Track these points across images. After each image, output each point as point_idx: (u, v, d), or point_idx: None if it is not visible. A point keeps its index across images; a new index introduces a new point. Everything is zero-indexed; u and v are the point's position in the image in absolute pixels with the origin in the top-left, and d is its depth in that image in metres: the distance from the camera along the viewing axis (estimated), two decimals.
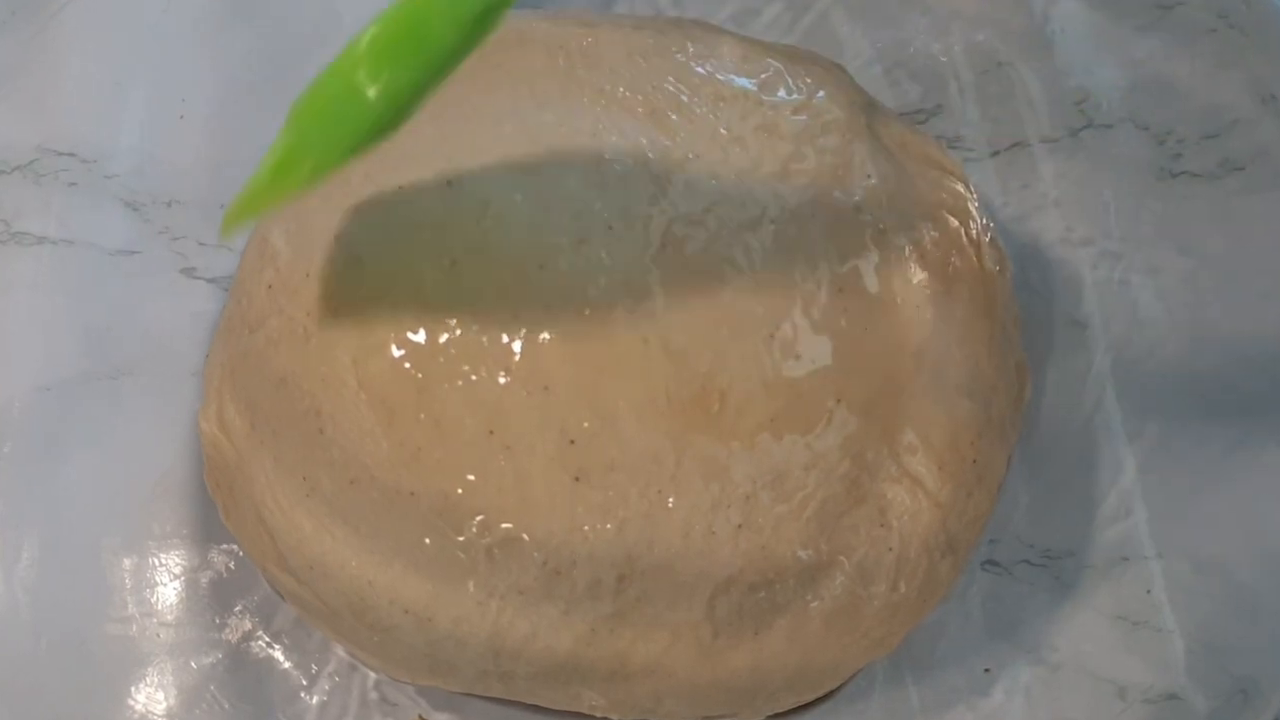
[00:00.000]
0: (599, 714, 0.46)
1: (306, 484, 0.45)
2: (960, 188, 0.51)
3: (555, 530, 0.44)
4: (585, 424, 0.44)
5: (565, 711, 0.47)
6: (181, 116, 0.56)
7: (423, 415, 0.45)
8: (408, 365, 0.45)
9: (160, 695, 0.48)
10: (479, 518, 0.44)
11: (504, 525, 0.44)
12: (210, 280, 0.54)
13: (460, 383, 0.45)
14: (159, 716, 0.48)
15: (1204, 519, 0.50)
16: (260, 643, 0.49)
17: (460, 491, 0.44)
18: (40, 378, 0.52)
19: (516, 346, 0.45)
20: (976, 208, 0.51)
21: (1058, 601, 0.49)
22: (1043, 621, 0.49)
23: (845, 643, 0.45)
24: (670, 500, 0.44)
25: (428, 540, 0.44)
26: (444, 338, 0.45)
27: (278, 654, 0.49)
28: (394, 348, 0.45)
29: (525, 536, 0.44)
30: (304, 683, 0.48)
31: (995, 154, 0.56)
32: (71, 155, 0.56)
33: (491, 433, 0.44)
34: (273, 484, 0.46)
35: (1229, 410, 0.51)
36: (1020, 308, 0.51)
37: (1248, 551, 0.49)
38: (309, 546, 0.46)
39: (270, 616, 0.49)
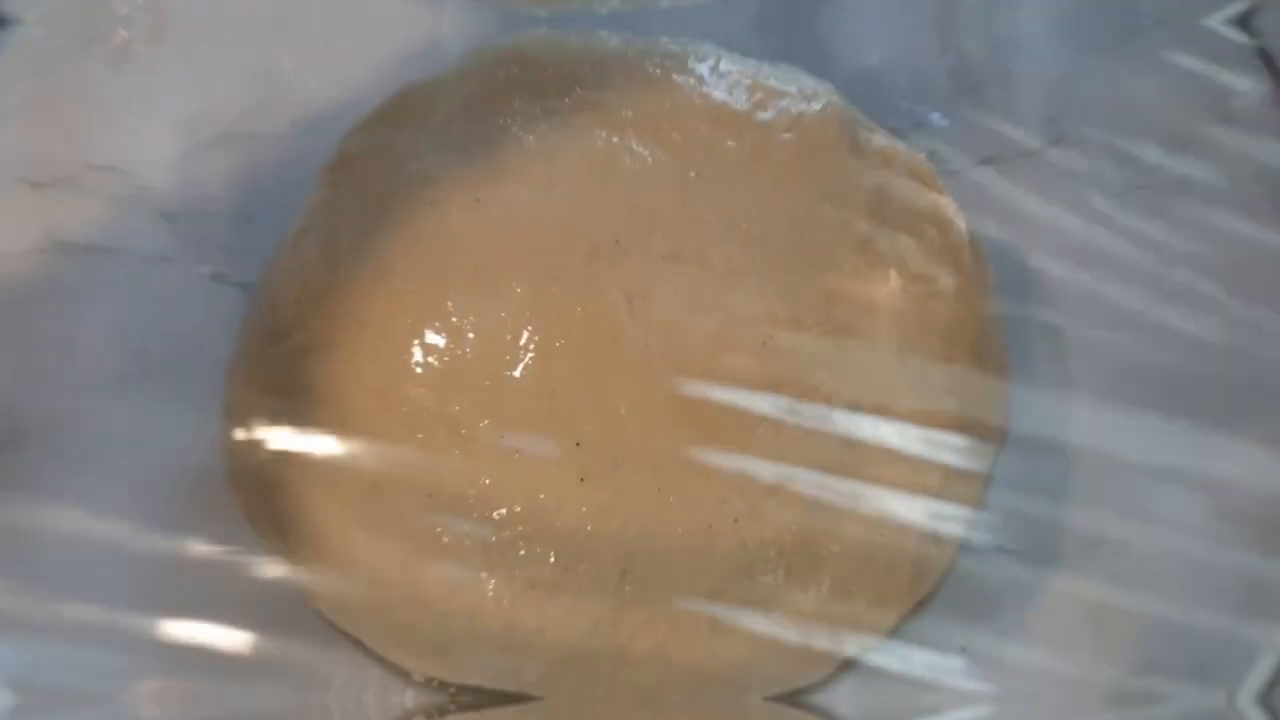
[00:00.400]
0: (601, 704, 0.48)
1: (332, 490, 0.47)
2: (940, 198, 0.54)
3: (563, 528, 0.45)
4: (589, 427, 0.46)
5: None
6: (214, 133, 0.60)
7: (440, 422, 0.47)
8: (427, 374, 0.47)
9: (177, 695, 0.49)
10: (493, 518, 0.46)
11: (517, 525, 0.45)
12: (238, 285, 0.57)
13: (475, 390, 0.47)
14: (182, 689, 0.49)
15: (1175, 507, 0.52)
16: (284, 619, 0.50)
17: (475, 494, 0.46)
18: (80, 379, 0.55)
19: (527, 355, 0.47)
20: (956, 217, 0.54)
21: (1031, 587, 0.51)
22: (1016, 606, 0.50)
23: (839, 630, 0.48)
24: (670, 498, 0.46)
25: (445, 539, 0.46)
26: (462, 348, 0.47)
27: (300, 630, 0.50)
28: (415, 358, 0.47)
29: (536, 535, 0.45)
30: (325, 659, 0.50)
31: (975, 166, 0.60)
32: (111, 169, 0.59)
33: (504, 437, 0.46)
34: (298, 492, 0.48)
35: (1201, 404, 0.54)
36: (1000, 311, 0.54)
37: (1220, 536, 0.51)
38: (330, 549, 0.47)
39: (295, 594, 0.50)
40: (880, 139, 0.55)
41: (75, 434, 0.53)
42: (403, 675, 0.50)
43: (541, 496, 0.45)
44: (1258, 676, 0.48)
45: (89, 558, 0.50)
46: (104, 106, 0.60)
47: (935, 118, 0.60)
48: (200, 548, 0.51)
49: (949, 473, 0.49)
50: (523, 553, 0.45)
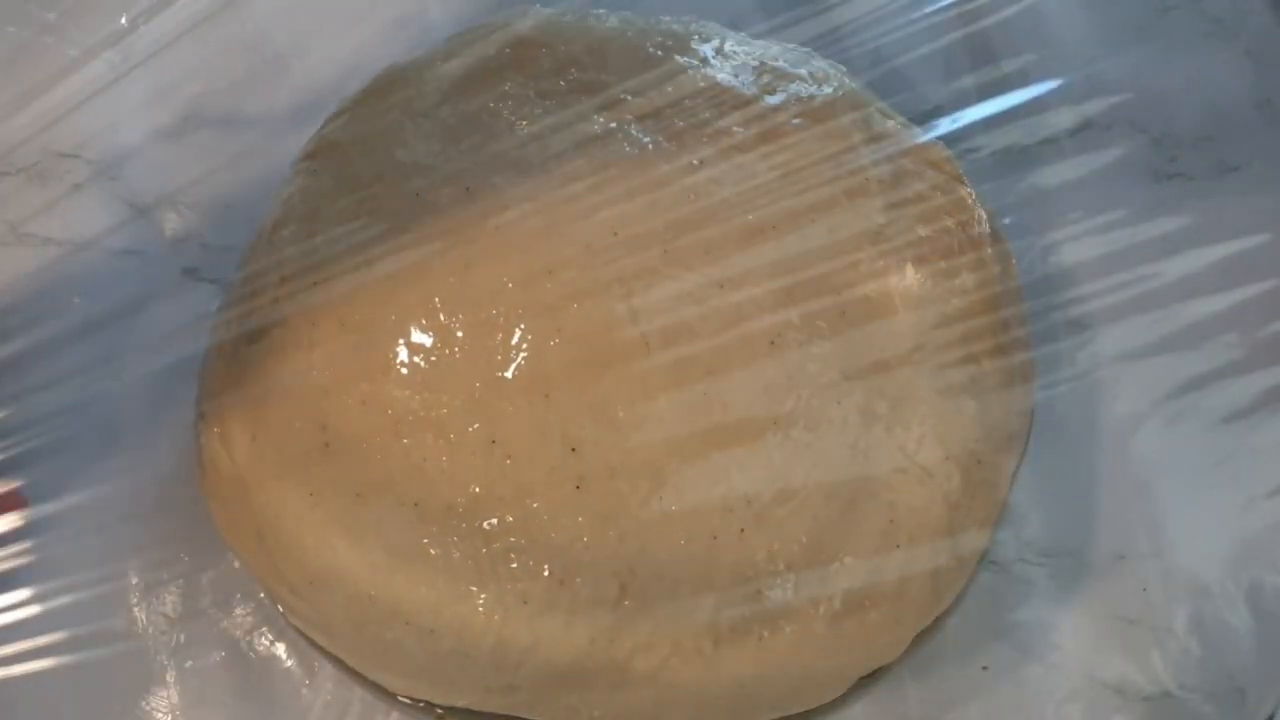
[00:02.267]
0: None
1: (312, 499, 0.46)
2: (959, 188, 0.53)
3: (558, 540, 0.44)
4: (585, 431, 0.45)
5: None
6: (185, 118, 0.59)
7: (427, 426, 0.45)
8: (414, 376, 0.46)
9: (163, 693, 0.48)
10: (483, 528, 0.44)
11: (509, 536, 0.44)
12: (213, 281, 0.55)
13: (464, 392, 0.45)
14: (161, 713, 0.48)
15: (1201, 518, 0.50)
16: (264, 640, 0.50)
17: (464, 502, 0.44)
18: (45, 379, 0.53)
19: (519, 354, 0.45)
20: (976, 208, 0.52)
21: (1056, 601, 0.49)
22: (1041, 621, 0.49)
23: (851, 647, 0.46)
24: (673, 507, 0.44)
25: (433, 551, 0.45)
26: (450, 347, 0.46)
27: (280, 651, 0.50)
28: (401, 358, 0.46)
29: (529, 546, 0.44)
30: (307, 681, 0.49)
31: (995, 154, 0.58)
32: (75, 157, 0.57)
33: (494, 443, 0.45)
34: (273, 499, 0.47)
35: (1227, 409, 0.52)
36: (1024, 307, 0.52)
37: (1245, 550, 0.50)
38: (309, 562, 0.46)
39: (273, 614, 0.50)
40: (896, 126, 0.54)
41: (42, 439, 0.52)
42: (387, 696, 0.48)
43: (535, 505, 0.44)
44: None
45: (50, 569, 0.49)
46: (69, 90, 0.59)
47: (956, 103, 0.58)
48: (170, 559, 0.50)
49: (968, 480, 0.47)
50: (514, 565, 0.44)
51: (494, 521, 0.44)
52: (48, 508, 0.51)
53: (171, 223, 0.57)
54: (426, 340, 0.46)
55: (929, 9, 0.59)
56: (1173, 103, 0.58)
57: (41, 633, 0.48)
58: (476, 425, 0.45)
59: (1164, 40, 0.59)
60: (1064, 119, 0.58)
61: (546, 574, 0.44)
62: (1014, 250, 0.54)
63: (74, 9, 0.60)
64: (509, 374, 0.45)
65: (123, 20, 0.59)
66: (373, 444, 0.45)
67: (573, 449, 0.44)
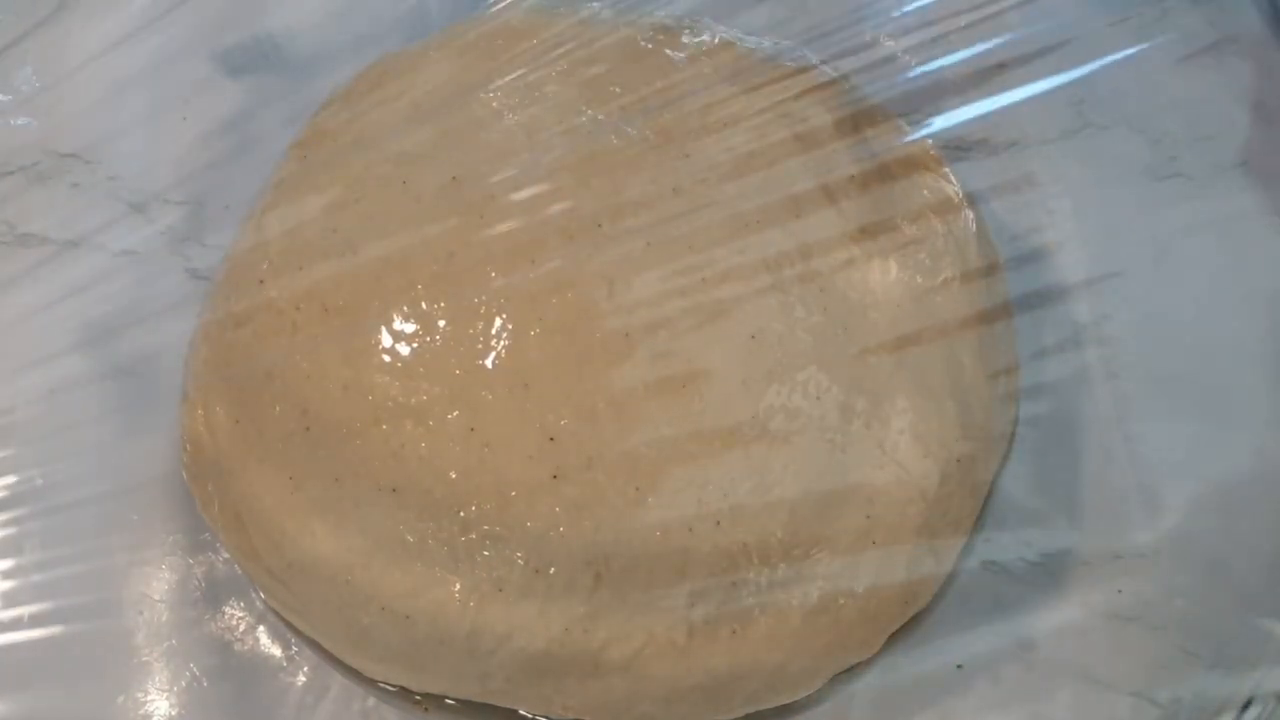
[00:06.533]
0: (571, 715, 0.47)
1: (292, 483, 0.48)
2: (947, 188, 0.53)
3: (533, 528, 0.45)
4: (564, 421, 0.46)
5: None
6: (184, 118, 0.60)
7: (407, 413, 0.46)
8: (395, 362, 0.47)
9: (141, 672, 0.50)
10: (460, 515, 0.45)
11: (484, 523, 0.45)
12: (212, 280, 0.56)
13: (444, 380, 0.46)
14: (139, 693, 0.49)
15: (1197, 517, 0.51)
16: (243, 623, 0.51)
17: (442, 489, 0.45)
18: (45, 378, 0.55)
19: (500, 343, 0.46)
20: (964, 207, 0.53)
21: (1049, 598, 0.50)
22: (1033, 618, 0.49)
23: (826, 642, 0.46)
24: (649, 499, 0.45)
25: (409, 537, 0.46)
26: (432, 335, 0.47)
27: (259, 634, 0.51)
28: (383, 344, 0.47)
29: (505, 534, 0.45)
30: (285, 665, 0.50)
31: (993, 154, 0.59)
32: (74, 156, 0.59)
33: (472, 430, 0.46)
34: (254, 482, 0.49)
35: (1224, 408, 0.53)
36: (1015, 307, 0.53)
37: (1240, 550, 0.50)
38: (289, 545, 0.48)
39: (253, 597, 0.51)
40: (885, 122, 0.55)
41: (41, 436, 0.54)
42: (365, 681, 0.50)
43: (512, 494, 0.45)
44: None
45: (36, 544, 0.51)
46: (66, 88, 0.60)
47: (948, 100, 0.59)
48: (155, 540, 0.52)
49: (948, 478, 0.48)
50: (490, 553, 0.45)
51: (471, 509, 0.45)
52: (48, 505, 0.52)
53: (171, 223, 0.58)
54: (408, 327, 0.47)
55: (922, 5, 0.59)
56: (1171, 103, 0.58)
57: (21, 606, 0.50)
58: (455, 413, 0.46)
59: (1162, 41, 0.59)
60: (1061, 118, 0.59)
61: (522, 562, 0.45)
62: (1004, 249, 0.54)
63: (75, 7, 0.61)
64: (489, 362, 0.46)
65: (123, 19, 0.61)
66: (352, 429, 0.47)
67: (551, 438, 0.45)
